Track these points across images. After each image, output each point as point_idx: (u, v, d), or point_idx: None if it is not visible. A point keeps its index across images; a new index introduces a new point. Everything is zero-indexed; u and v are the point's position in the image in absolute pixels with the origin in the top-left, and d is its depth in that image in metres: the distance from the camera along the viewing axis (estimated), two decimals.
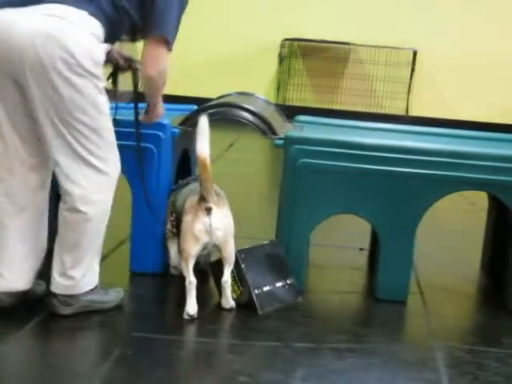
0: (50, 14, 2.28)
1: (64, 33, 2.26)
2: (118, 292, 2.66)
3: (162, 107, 2.73)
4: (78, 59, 2.27)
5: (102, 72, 2.41)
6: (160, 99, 2.69)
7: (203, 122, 2.58)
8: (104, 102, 2.41)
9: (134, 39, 2.62)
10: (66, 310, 2.49)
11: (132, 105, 2.68)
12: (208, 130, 2.58)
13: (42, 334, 2.42)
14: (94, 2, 2.35)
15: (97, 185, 2.44)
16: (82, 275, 2.49)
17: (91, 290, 2.53)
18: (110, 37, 2.44)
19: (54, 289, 2.48)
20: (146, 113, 2.73)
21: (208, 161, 2.56)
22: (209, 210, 2.56)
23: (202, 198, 2.57)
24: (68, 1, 2.30)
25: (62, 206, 2.44)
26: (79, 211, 2.42)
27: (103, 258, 2.96)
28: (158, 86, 2.57)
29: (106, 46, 2.42)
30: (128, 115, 2.69)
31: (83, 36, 2.31)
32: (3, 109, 2.38)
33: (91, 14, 2.33)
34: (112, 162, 2.49)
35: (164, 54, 2.49)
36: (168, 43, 2.47)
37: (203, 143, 2.57)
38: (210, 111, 2.94)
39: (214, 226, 2.56)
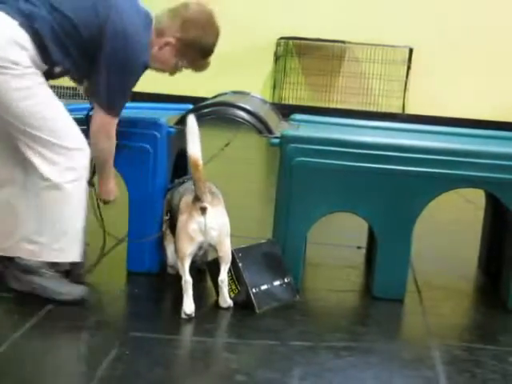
0: None
1: None
2: (80, 289, 2.66)
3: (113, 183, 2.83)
4: None
5: (23, 55, 2.47)
6: (111, 174, 2.79)
7: (191, 122, 2.57)
8: (26, 86, 2.47)
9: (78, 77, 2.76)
10: (14, 284, 2.61)
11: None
12: (197, 130, 2.56)
13: (39, 334, 2.41)
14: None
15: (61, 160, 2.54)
16: (46, 243, 2.57)
17: (51, 268, 2.61)
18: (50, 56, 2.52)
19: (18, 253, 2.60)
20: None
21: (200, 161, 2.56)
22: (203, 210, 2.55)
23: (197, 198, 2.57)
24: None
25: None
26: (45, 180, 2.53)
27: (100, 258, 2.96)
28: (96, 148, 2.65)
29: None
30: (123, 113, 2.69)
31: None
32: None
33: (7, 13, 2.43)
34: (69, 137, 2.57)
35: (108, 120, 2.63)
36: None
37: (194, 144, 2.56)
38: (206, 110, 2.95)
39: (208, 226, 2.56)
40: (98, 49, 2.54)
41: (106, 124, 2.63)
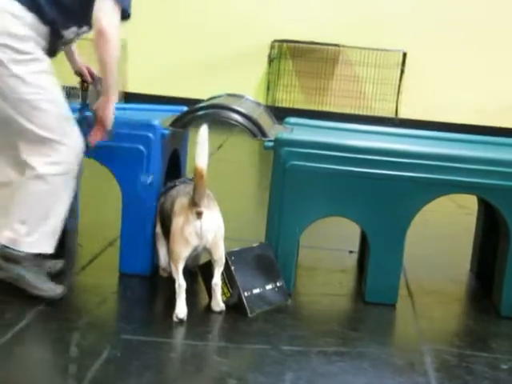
0: None
1: None
2: (58, 287, 2.68)
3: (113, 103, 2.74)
4: None
5: (32, 45, 2.51)
6: (114, 96, 2.72)
7: (203, 132, 2.53)
8: (29, 72, 2.50)
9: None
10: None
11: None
12: (207, 141, 2.54)
13: (30, 335, 2.40)
14: None
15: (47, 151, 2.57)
16: (25, 233, 2.58)
17: (32, 259, 2.63)
18: (46, 17, 2.53)
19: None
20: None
21: (205, 171, 2.54)
22: (200, 214, 2.54)
23: (193, 202, 2.56)
24: None
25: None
26: (31, 169, 2.56)
27: (92, 259, 2.96)
28: (110, 51, 2.56)
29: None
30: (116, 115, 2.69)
31: None
32: None
33: None
34: (60, 131, 2.58)
35: (117, 15, 2.55)
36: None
37: (202, 155, 2.53)
38: (200, 113, 2.94)
39: (204, 229, 2.55)
40: None
41: (116, 23, 2.56)
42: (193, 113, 2.95)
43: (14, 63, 2.47)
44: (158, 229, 2.89)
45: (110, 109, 2.70)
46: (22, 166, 2.63)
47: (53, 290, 2.66)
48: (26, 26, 2.49)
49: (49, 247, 2.66)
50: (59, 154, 2.58)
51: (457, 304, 3.09)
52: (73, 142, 2.63)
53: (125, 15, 2.59)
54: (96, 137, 2.74)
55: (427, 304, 2.97)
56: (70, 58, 2.99)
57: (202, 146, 2.53)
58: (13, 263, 2.61)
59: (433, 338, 2.63)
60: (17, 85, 2.49)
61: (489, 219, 3.21)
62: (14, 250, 2.60)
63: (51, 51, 2.64)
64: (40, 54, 2.56)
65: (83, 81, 3.00)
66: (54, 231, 2.66)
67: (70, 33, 2.66)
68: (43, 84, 2.56)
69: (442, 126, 7.30)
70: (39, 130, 2.54)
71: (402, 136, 3.30)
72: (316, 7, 8.56)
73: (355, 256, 3.46)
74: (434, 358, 2.45)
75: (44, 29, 2.55)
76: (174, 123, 2.95)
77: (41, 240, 2.63)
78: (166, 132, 2.91)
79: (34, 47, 2.53)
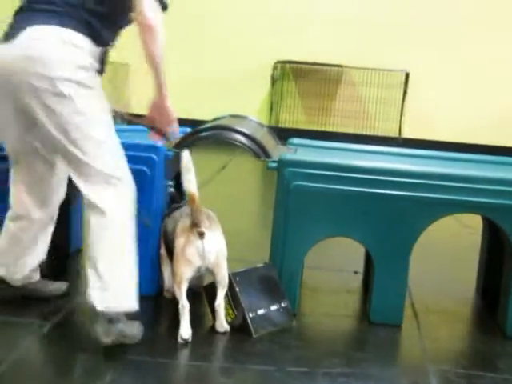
0: (28, 39, 2.36)
1: (40, 51, 2.34)
2: (138, 325, 2.51)
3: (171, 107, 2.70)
4: (57, 72, 2.35)
5: (93, 76, 2.47)
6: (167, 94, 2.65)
7: (186, 158, 2.58)
8: (90, 105, 2.44)
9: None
10: (106, 338, 2.39)
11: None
12: (192, 166, 2.57)
13: (34, 354, 2.40)
14: (66, 14, 2.40)
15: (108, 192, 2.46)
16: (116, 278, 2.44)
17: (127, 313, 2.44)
18: (102, 39, 2.49)
19: (95, 303, 2.42)
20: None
21: (196, 195, 2.57)
22: (201, 235, 2.55)
23: (194, 224, 2.57)
24: (39, 21, 2.38)
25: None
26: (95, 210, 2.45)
27: None
28: (160, 47, 2.50)
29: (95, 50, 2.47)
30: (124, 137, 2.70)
31: (59, 49, 2.37)
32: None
33: (64, 25, 2.38)
34: (118, 169, 2.51)
35: (159, 10, 2.49)
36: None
37: (190, 180, 2.57)
38: (204, 134, 2.95)
39: (206, 250, 2.55)
40: None
41: (160, 18, 2.49)
42: (196, 134, 2.95)
43: (78, 97, 2.39)
44: (163, 250, 2.89)
45: (170, 104, 2.66)
46: (47, 207, 2.66)
47: (140, 328, 2.49)
48: (87, 55, 2.44)
49: (130, 301, 2.48)
50: (120, 190, 2.48)
51: (462, 324, 3.08)
52: (129, 177, 2.55)
53: (165, 8, 2.54)
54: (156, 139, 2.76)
55: (432, 324, 2.96)
56: None
57: (188, 171, 2.57)
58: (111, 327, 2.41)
59: (438, 359, 2.61)
60: (80, 120, 2.41)
61: (493, 239, 3.20)
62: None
63: (102, 71, 2.58)
64: (99, 81, 2.52)
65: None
66: (128, 274, 2.50)
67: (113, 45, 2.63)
68: (103, 118, 2.49)
69: (445, 145, 7.30)
70: (101, 166, 2.44)
71: (406, 156, 3.31)
72: (318, 28, 8.61)
73: (360, 276, 3.45)
74: (439, 379, 2.43)
75: (98, 51, 2.49)
76: (178, 145, 2.96)
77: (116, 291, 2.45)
78: (170, 153, 2.92)
79: (95, 75, 2.49)
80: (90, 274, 2.44)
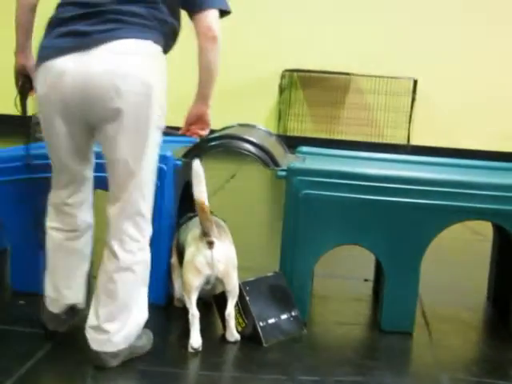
0: (119, 52, 2.24)
1: (139, 69, 2.25)
2: (147, 334, 2.54)
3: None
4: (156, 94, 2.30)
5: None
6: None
7: (197, 166, 2.58)
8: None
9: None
10: (113, 362, 2.36)
11: None
12: (203, 174, 2.57)
13: (43, 368, 2.39)
14: (154, 29, 2.33)
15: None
16: (116, 329, 2.35)
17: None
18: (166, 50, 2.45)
19: (92, 344, 2.36)
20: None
21: (206, 204, 2.57)
22: (211, 244, 2.55)
23: (204, 233, 2.57)
24: (130, 35, 2.26)
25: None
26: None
27: None
28: (218, 58, 2.55)
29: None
30: None
31: (156, 66, 2.33)
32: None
33: (155, 41, 2.33)
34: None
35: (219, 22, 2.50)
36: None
37: (200, 188, 2.57)
38: (213, 143, 2.95)
39: (215, 259, 2.55)
40: None
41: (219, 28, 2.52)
42: (205, 143, 2.96)
43: (156, 129, 2.36)
44: (174, 259, 2.89)
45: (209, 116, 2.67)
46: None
47: (149, 338, 2.53)
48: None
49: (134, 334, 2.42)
50: (146, 238, 2.41)
51: (474, 332, 3.07)
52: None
53: (227, 13, 2.58)
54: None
55: (444, 332, 2.94)
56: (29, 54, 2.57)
57: (198, 179, 2.57)
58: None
59: (450, 367, 2.60)
60: (154, 145, 2.36)
61: (504, 246, 3.19)
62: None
63: None
64: None
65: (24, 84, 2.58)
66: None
67: None
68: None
69: (454, 152, 7.30)
70: (148, 208, 2.39)
71: (415, 163, 3.30)
72: (326, 36, 8.62)
73: (370, 284, 3.44)
74: None
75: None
76: (187, 154, 2.96)
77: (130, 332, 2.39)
78: (179, 163, 2.92)
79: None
80: (91, 310, 2.38)
